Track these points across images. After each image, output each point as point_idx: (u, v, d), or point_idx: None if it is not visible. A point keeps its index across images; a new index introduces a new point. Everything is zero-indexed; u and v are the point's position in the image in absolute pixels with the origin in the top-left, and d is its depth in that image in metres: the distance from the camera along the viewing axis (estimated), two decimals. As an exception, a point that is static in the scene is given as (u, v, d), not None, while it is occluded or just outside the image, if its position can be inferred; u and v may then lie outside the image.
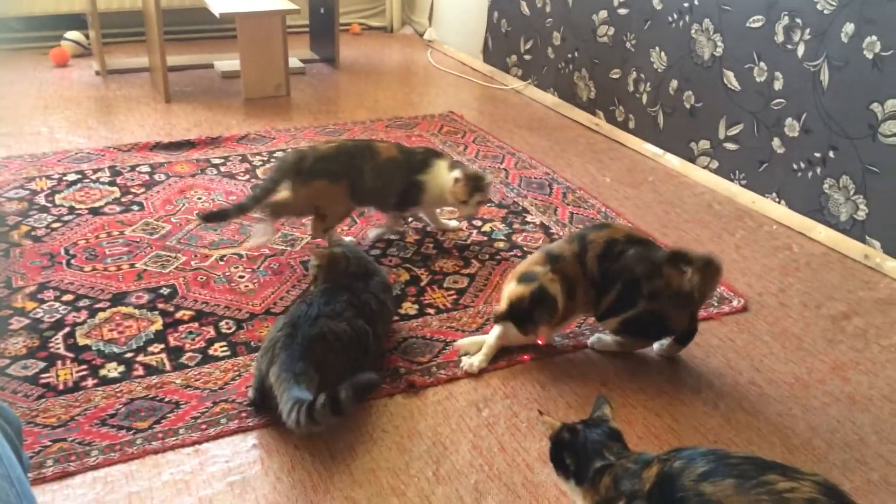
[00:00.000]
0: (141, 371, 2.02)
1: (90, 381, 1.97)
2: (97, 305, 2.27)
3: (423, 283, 2.46)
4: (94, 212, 2.84)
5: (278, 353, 1.79)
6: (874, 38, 2.58)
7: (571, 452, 1.50)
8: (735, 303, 2.44)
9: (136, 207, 2.89)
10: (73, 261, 2.51)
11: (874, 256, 2.68)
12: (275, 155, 3.40)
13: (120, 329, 2.18)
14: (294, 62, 4.59)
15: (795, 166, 2.93)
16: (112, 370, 2.01)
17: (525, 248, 2.70)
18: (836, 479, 1.67)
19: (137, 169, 3.21)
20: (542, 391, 2.02)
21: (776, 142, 3.00)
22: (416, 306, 2.35)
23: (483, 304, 2.37)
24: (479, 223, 2.88)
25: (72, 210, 2.84)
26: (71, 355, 2.06)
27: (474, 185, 2.58)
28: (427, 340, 2.18)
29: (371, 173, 2.55)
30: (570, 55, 4.05)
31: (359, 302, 1.99)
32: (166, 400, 1.92)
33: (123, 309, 2.27)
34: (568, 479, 1.51)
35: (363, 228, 2.79)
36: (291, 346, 1.79)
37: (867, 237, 2.71)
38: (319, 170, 2.48)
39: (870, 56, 2.60)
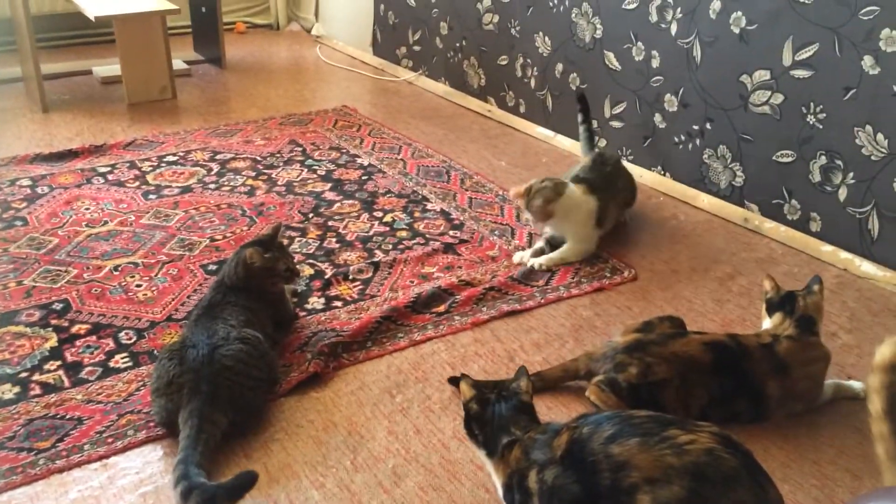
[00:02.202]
0: (38, 390, 1.94)
1: (-17, 406, 1.88)
2: (-16, 327, 2.17)
3: (327, 277, 2.46)
4: (-27, 230, 2.70)
5: (187, 397, 1.74)
6: (739, 13, 2.74)
7: (480, 424, 1.55)
8: (626, 273, 2.54)
9: (19, 223, 2.76)
10: (-47, 283, 2.38)
11: (753, 219, 2.85)
12: (165, 160, 3.31)
13: (11, 349, 2.08)
14: (178, 64, 4.47)
15: (676, 139, 3.08)
16: (6, 392, 1.93)
17: (427, 236, 2.73)
18: (732, 429, 1.77)
19: (17, 183, 3.06)
20: (453, 372, 2.05)
21: (657, 117, 3.14)
22: (323, 300, 2.35)
23: (389, 292, 2.39)
24: (379, 214, 2.89)
25: (-52, 230, 2.69)
26: (-41, 381, 1.96)
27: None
28: (337, 333, 2.18)
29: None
30: (458, 44, 4.11)
31: (243, 307, 2.02)
32: (68, 417, 1.85)
33: (14, 328, 2.17)
34: (479, 449, 1.56)
35: (262, 226, 2.76)
36: (199, 389, 1.75)
37: (745, 202, 2.87)
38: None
39: (737, 31, 2.76)
